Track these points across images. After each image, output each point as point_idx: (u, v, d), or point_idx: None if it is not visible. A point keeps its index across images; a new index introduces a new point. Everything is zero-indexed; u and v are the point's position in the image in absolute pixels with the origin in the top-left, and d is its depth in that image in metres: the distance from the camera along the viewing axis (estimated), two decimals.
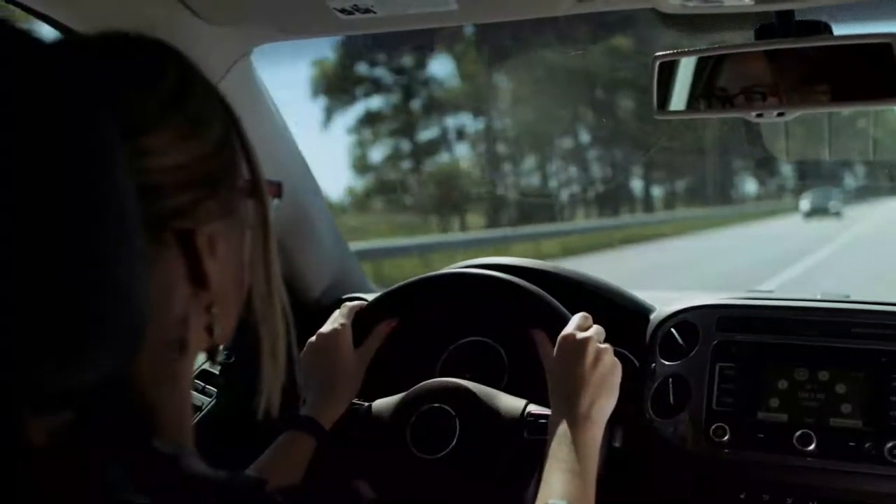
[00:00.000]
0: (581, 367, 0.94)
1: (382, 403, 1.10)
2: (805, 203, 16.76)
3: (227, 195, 0.57)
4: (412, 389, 1.09)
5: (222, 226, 0.56)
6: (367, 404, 1.11)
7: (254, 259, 0.60)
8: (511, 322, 1.19)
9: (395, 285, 1.24)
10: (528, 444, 0.99)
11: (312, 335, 1.14)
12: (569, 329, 0.99)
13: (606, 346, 0.98)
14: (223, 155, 0.57)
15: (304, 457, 1.03)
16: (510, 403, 1.05)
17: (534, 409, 1.03)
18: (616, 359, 0.98)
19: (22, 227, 0.39)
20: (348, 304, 1.18)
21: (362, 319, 1.17)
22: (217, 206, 0.55)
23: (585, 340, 0.96)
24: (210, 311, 0.56)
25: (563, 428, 0.91)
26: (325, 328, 1.14)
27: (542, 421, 0.98)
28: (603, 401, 0.94)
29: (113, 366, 0.45)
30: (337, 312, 1.16)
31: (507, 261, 1.32)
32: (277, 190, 0.65)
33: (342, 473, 1.05)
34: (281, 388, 0.61)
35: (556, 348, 0.98)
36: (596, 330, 0.99)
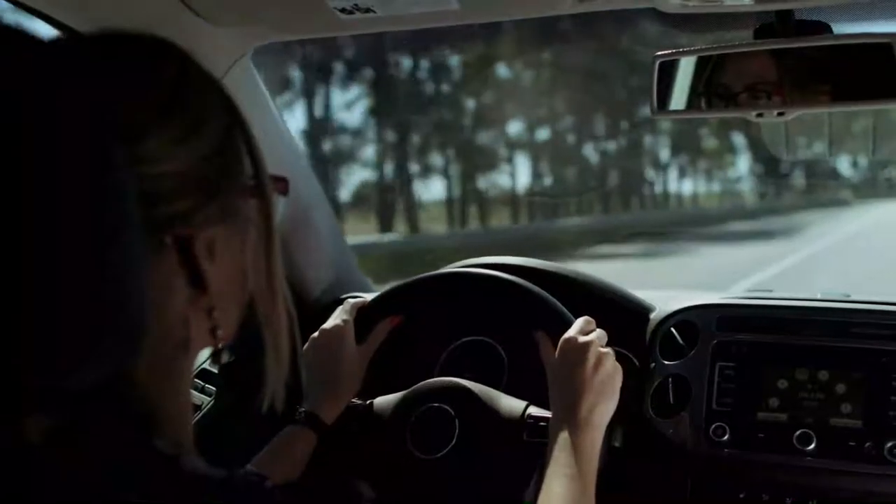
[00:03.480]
0: (582, 370, 0.94)
1: (382, 401, 1.10)
2: None
3: (228, 197, 0.56)
4: (412, 388, 1.09)
5: (222, 229, 0.56)
6: (367, 402, 1.11)
7: (257, 258, 0.59)
8: (512, 322, 1.18)
9: (397, 283, 1.24)
10: (527, 446, 0.99)
11: (312, 333, 1.14)
12: (571, 332, 0.98)
13: (608, 350, 0.97)
14: (224, 156, 0.56)
15: (305, 452, 1.03)
16: (510, 405, 1.04)
17: (534, 411, 1.02)
18: (617, 363, 0.97)
19: (22, 230, 0.39)
20: (351, 300, 1.19)
21: (364, 316, 1.17)
22: (217, 210, 0.55)
23: (587, 344, 0.96)
24: (211, 314, 0.56)
25: (564, 432, 0.90)
26: (328, 324, 1.13)
27: (542, 424, 0.98)
28: (603, 405, 0.94)
29: (112, 367, 0.45)
30: (340, 308, 1.16)
31: (508, 260, 1.32)
32: (284, 186, 0.63)
33: (341, 471, 1.05)
34: (284, 384, 0.61)
35: (557, 351, 0.98)
36: (598, 334, 0.99)
